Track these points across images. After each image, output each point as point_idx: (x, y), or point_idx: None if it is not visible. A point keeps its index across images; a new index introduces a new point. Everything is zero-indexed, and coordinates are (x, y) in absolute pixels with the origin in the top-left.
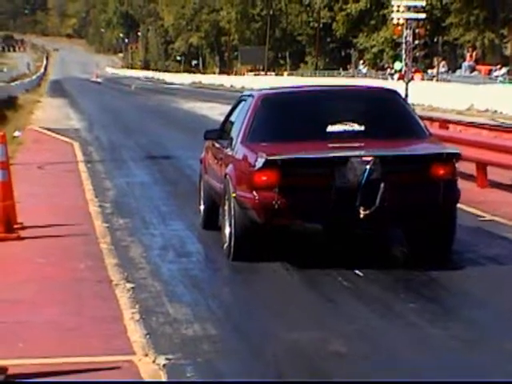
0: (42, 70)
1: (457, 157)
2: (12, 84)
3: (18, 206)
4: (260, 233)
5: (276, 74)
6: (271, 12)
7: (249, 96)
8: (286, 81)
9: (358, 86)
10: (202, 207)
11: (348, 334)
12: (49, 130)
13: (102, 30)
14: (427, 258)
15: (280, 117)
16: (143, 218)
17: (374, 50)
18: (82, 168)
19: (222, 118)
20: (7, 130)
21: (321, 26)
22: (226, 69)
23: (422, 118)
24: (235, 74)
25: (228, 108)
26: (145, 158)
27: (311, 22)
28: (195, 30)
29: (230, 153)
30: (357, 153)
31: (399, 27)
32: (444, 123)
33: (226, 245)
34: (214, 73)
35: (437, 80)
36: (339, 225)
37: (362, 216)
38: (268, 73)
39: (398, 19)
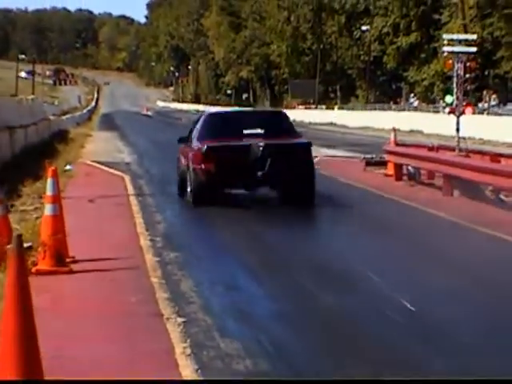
0: (93, 103)
1: (311, 145)
2: (63, 118)
3: (70, 240)
4: (205, 191)
5: (326, 108)
6: (321, 46)
7: (202, 114)
8: (337, 115)
9: (262, 109)
10: (177, 185)
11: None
12: (99, 163)
13: (153, 63)
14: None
15: (217, 125)
16: (194, 251)
17: (425, 83)
18: (132, 201)
19: None
20: (58, 164)
21: (371, 59)
22: (276, 102)
23: (472, 151)
24: (285, 108)
25: None
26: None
27: (362, 56)
28: (245, 63)
29: (191, 146)
30: (255, 142)
31: (450, 61)
32: (495, 157)
33: (189, 198)
34: (265, 106)
35: (487, 113)
36: (247, 181)
37: (258, 177)
38: (318, 106)
39: (449, 53)
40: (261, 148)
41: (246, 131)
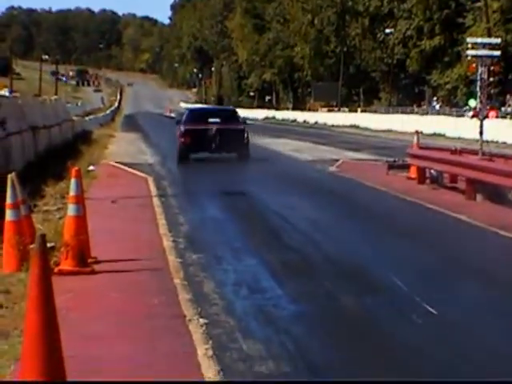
0: (116, 104)
1: (245, 129)
2: (86, 118)
3: (92, 241)
4: (184, 154)
5: (349, 110)
6: (345, 48)
7: (187, 110)
8: (360, 118)
9: (222, 107)
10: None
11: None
12: (123, 164)
13: (176, 64)
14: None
15: (194, 116)
16: (216, 253)
17: (448, 86)
18: (155, 202)
19: (294, 154)
20: (81, 165)
21: (394, 62)
22: (299, 104)
23: (496, 155)
24: (308, 110)
25: (300, 143)
26: (217, 193)
27: (385, 59)
28: (269, 65)
29: (179, 128)
30: (213, 126)
31: (474, 64)
32: None
33: (176, 160)
34: (288, 108)
35: (511, 117)
36: (208, 148)
37: (213, 147)
38: (341, 109)
39: (473, 56)
40: (216, 129)
41: (209, 120)
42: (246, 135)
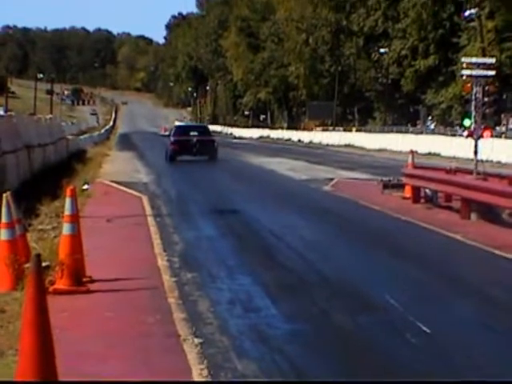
0: (111, 123)
1: (214, 140)
2: (81, 137)
3: (87, 260)
4: (173, 157)
5: (344, 130)
6: (340, 68)
7: (174, 126)
8: (355, 137)
9: (199, 124)
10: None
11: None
12: (117, 182)
13: (171, 83)
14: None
15: (180, 130)
16: (211, 272)
17: (443, 106)
18: (150, 221)
19: (289, 173)
20: (76, 183)
21: (389, 81)
22: (294, 124)
23: (490, 174)
24: (303, 129)
25: (295, 162)
26: (212, 212)
27: (380, 78)
28: (264, 84)
29: (169, 138)
30: (194, 137)
31: (468, 84)
32: None
33: (166, 161)
34: (282, 127)
35: (505, 137)
36: (190, 153)
37: (194, 151)
38: (336, 128)
39: (468, 76)
40: (195, 140)
41: (191, 133)
42: (215, 144)
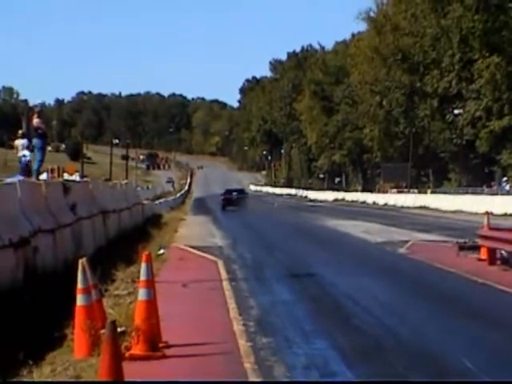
0: (186, 187)
1: (247, 194)
2: (156, 202)
3: (163, 325)
4: (223, 207)
5: (419, 192)
6: (414, 129)
7: (224, 190)
8: (429, 198)
9: (238, 187)
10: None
11: None
12: (193, 247)
13: (246, 147)
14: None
15: (227, 192)
16: (286, 336)
17: None
18: (225, 286)
19: (364, 236)
20: (152, 248)
21: (464, 142)
22: (368, 186)
23: None
24: (378, 191)
25: (369, 224)
26: (288, 276)
27: (454, 139)
28: (338, 147)
29: (220, 196)
30: (234, 195)
31: None
32: None
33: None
34: (357, 190)
35: None
36: (233, 206)
37: (234, 204)
38: (411, 190)
39: None
40: (235, 197)
41: (233, 193)
42: (246, 199)
